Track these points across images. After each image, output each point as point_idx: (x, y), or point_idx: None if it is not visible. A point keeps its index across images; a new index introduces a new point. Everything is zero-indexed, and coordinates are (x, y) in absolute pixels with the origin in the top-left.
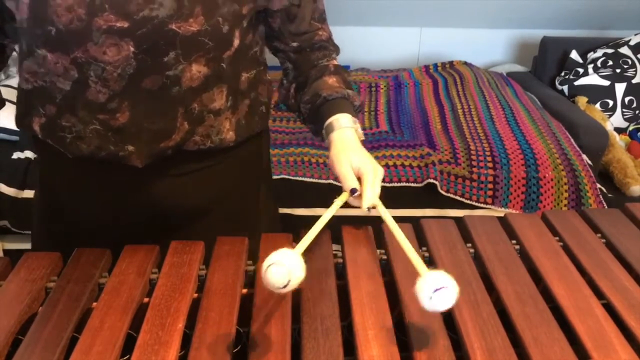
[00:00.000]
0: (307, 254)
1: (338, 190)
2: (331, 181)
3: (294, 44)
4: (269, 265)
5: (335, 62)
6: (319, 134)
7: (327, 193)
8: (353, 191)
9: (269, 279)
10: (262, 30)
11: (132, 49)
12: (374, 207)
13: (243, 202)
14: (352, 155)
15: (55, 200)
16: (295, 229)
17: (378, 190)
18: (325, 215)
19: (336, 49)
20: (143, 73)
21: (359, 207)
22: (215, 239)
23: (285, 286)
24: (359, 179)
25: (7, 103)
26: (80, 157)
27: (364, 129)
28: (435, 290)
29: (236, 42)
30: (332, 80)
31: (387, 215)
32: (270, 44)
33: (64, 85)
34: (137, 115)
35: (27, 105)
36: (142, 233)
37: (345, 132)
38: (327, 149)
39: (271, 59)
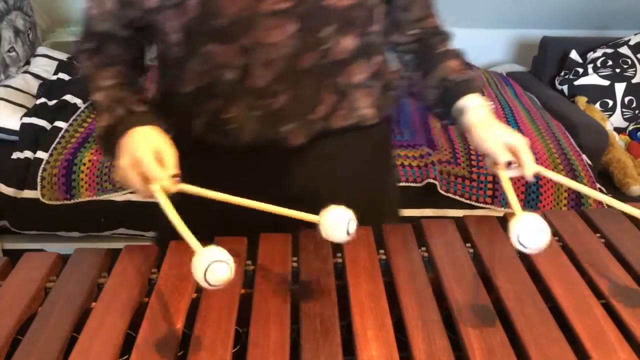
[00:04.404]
0: (306, 254)
1: None
2: None
3: (413, 32)
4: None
5: (451, 46)
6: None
7: None
8: (509, 163)
9: None
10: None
11: (296, 27)
12: (537, 174)
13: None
14: (499, 131)
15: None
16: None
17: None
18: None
19: (449, 34)
20: (302, 51)
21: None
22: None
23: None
24: (512, 152)
25: (7, 103)
26: (238, 147)
27: None
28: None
29: (378, 21)
30: (455, 63)
31: (555, 175)
32: (390, 39)
33: (230, 75)
34: (294, 94)
35: (188, 106)
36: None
37: (480, 110)
38: (465, 130)
39: None
